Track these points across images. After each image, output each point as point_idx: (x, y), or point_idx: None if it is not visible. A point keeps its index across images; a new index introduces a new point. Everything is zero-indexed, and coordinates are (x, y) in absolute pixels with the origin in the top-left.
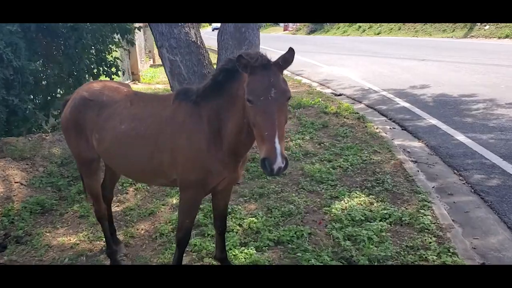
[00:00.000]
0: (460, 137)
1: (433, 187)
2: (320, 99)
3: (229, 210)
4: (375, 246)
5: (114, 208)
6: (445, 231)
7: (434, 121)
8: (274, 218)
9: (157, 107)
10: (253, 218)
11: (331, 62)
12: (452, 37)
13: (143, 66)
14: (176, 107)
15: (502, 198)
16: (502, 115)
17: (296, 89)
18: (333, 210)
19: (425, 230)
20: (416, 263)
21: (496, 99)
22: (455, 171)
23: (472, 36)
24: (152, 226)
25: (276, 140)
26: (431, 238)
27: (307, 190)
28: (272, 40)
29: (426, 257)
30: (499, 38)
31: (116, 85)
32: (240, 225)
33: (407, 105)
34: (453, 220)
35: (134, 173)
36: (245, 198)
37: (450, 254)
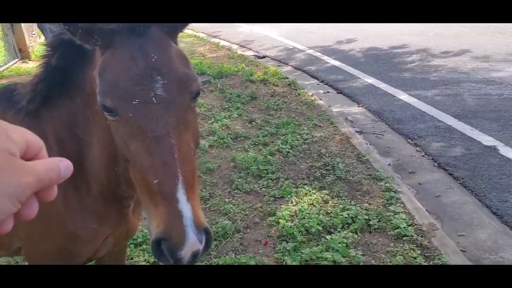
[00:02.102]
0: (403, 97)
1: (389, 165)
2: (243, 65)
3: (136, 233)
4: None
5: None
6: (428, 236)
7: (370, 80)
8: None
9: None
10: None
11: None
12: None
13: (35, 40)
14: None
15: (474, 172)
16: (440, 66)
17: (215, 54)
18: (280, 220)
19: (403, 238)
20: None
21: (428, 48)
22: (409, 140)
23: None
24: None
25: (181, 195)
26: (414, 251)
27: (244, 191)
28: None
29: None
30: None
31: None
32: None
33: (337, 63)
34: (427, 211)
35: None
36: None
37: None
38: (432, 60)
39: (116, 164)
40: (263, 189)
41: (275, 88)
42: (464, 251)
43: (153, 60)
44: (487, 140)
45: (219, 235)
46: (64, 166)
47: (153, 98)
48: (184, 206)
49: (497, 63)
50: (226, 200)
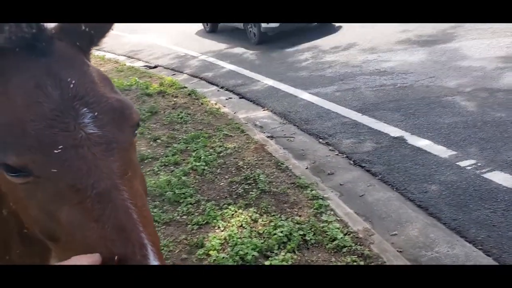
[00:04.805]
0: (305, 96)
1: (307, 168)
2: (136, 78)
3: None
4: None
5: None
6: (367, 243)
7: (269, 82)
8: None
9: None
10: None
11: (132, 28)
12: None
13: None
14: None
15: (389, 165)
16: (333, 61)
17: (101, 68)
18: (211, 251)
19: (343, 250)
20: None
21: (318, 45)
22: (320, 139)
23: None
24: None
25: None
26: (357, 263)
27: (162, 222)
28: None
29: None
30: None
31: None
32: None
33: (233, 67)
34: (356, 213)
35: None
36: None
37: None
38: (324, 57)
39: (8, 250)
40: (184, 216)
41: (175, 99)
42: (401, 251)
43: (72, 86)
44: (393, 131)
45: None
46: None
47: (85, 140)
48: None
49: (384, 53)
50: None
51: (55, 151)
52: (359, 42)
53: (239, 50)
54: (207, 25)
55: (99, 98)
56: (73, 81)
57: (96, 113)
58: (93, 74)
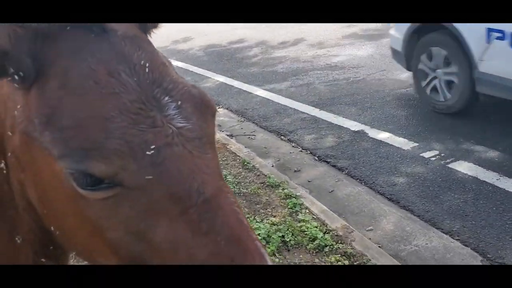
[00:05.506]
0: (260, 92)
1: (272, 166)
2: None
3: None
4: None
5: None
6: (348, 240)
7: (220, 78)
8: None
9: None
10: None
11: None
12: None
13: None
14: None
15: (354, 159)
16: (283, 57)
17: None
18: None
19: (325, 250)
20: None
21: (266, 40)
22: (282, 136)
23: None
24: None
25: None
26: (342, 263)
27: None
28: None
29: None
30: None
31: None
32: None
33: (180, 64)
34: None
35: None
36: None
37: None
38: (273, 52)
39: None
40: None
41: None
42: (380, 246)
43: (147, 70)
44: (353, 125)
45: None
46: None
47: (177, 136)
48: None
49: (332, 48)
50: None
51: (147, 153)
52: (306, 37)
53: (184, 46)
54: (446, 98)
55: (176, 84)
56: (147, 64)
57: (179, 102)
58: (161, 55)
